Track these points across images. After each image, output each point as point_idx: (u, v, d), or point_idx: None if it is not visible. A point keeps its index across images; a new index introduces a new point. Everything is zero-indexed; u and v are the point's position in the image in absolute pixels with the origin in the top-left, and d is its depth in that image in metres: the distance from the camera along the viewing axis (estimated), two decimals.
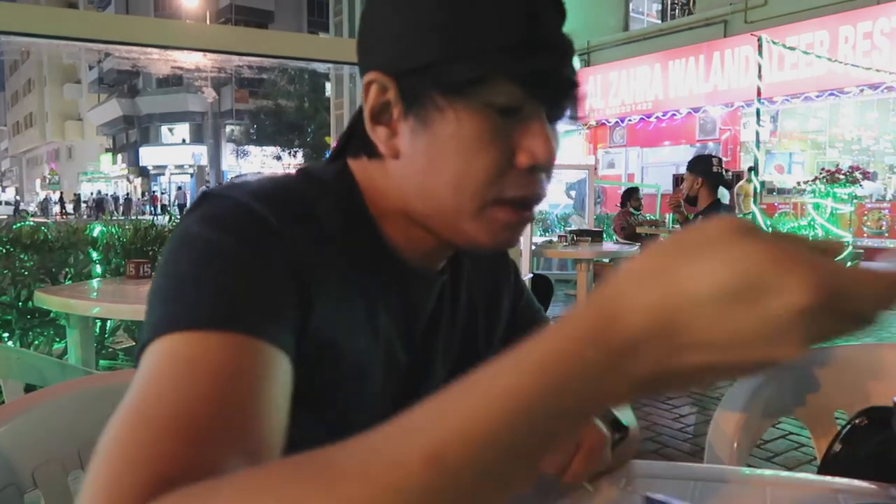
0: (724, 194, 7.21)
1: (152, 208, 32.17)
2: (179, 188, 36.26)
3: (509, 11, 0.55)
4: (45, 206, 38.17)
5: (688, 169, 4.05)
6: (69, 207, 37.14)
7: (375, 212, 0.63)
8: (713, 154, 4.18)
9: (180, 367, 0.44)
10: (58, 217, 31.55)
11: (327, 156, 0.72)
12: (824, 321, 0.30)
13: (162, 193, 37.21)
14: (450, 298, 0.71)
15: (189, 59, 1.62)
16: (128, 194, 39.53)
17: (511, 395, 0.32)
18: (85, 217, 30.22)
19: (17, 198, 47.90)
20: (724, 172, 3.97)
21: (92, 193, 40.39)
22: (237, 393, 0.43)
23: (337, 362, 0.58)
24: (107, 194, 39.56)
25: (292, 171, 0.68)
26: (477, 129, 0.55)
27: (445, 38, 0.55)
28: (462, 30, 0.55)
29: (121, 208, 33.22)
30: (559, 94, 0.58)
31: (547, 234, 7.23)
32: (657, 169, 15.04)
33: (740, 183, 9.18)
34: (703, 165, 3.95)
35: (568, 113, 0.60)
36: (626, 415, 0.77)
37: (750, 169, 9.37)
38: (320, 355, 0.57)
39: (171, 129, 39.40)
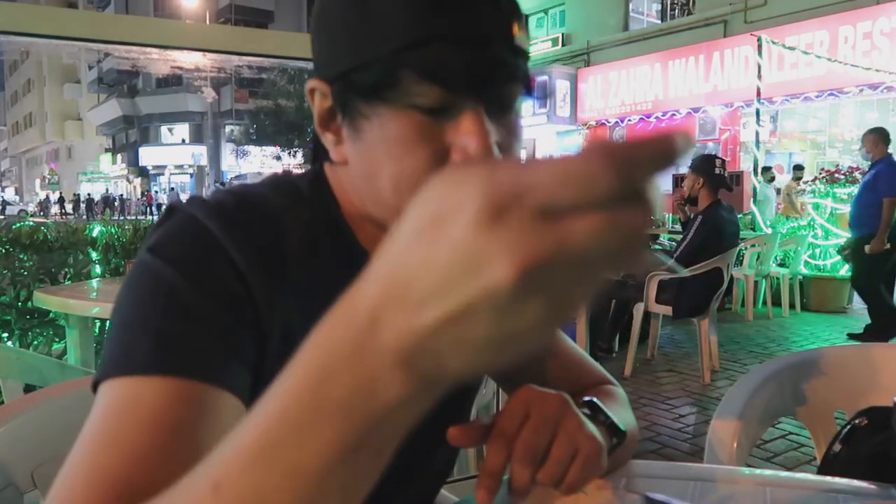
0: (768, 197, 6.85)
1: (148, 207, 32.38)
2: (172, 189, 36.30)
3: (409, 6, 0.52)
4: (45, 206, 38.17)
5: (690, 168, 4.05)
6: (68, 207, 37.15)
7: (350, 218, 0.62)
8: (716, 154, 4.15)
9: (117, 417, 0.46)
10: (57, 217, 31.61)
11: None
12: (523, 223, 0.23)
13: (158, 193, 37.24)
14: None
15: (189, 59, 1.62)
16: (122, 195, 39.61)
17: (273, 408, 0.30)
18: (84, 217, 30.26)
19: (4, 199, 47.64)
20: (725, 174, 3.97)
21: (88, 194, 40.43)
22: (169, 445, 0.45)
23: None
24: (110, 194, 39.57)
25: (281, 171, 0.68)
26: (401, 133, 0.53)
27: (358, 42, 0.53)
28: (368, 32, 0.53)
29: (117, 209, 33.29)
30: (486, 84, 0.53)
31: None
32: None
33: (788, 182, 8.84)
34: (705, 165, 3.94)
35: (512, 100, 0.56)
36: (624, 416, 0.77)
37: (796, 167, 9.02)
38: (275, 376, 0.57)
39: (170, 129, 39.36)
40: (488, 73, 0.53)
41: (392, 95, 0.53)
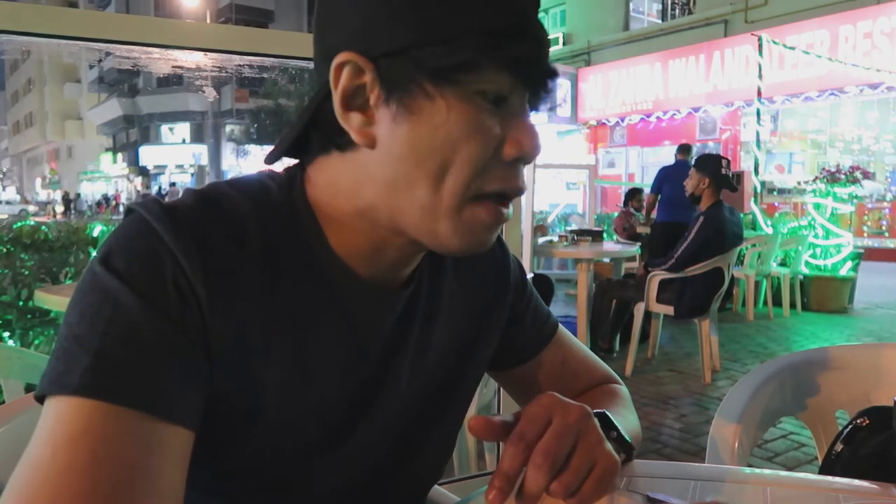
0: None
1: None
2: (152, 190, 36.53)
3: None
4: (42, 206, 38.26)
5: (695, 167, 4.01)
6: (60, 208, 37.16)
7: (326, 220, 0.59)
8: (721, 155, 4.12)
9: (71, 444, 0.45)
10: (58, 217, 31.66)
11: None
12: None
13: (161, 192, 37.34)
14: (423, 314, 0.67)
15: (189, 59, 1.62)
16: (106, 194, 39.80)
17: None
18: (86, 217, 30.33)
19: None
20: (730, 175, 3.94)
21: (64, 194, 40.53)
22: (128, 482, 0.45)
23: (256, 394, 0.56)
24: (150, 192, 39.68)
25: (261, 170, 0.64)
26: (467, 119, 0.53)
27: (429, 20, 0.52)
28: (447, 12, 0.52)
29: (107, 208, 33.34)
30: (543, 83, 0.57)
31: (547, 234, 7.23)
32: (657, 168, 15.02)
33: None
34: (711, 165, 3.90)
35: (546, 104, 0.59)
36: (630, 419, 0.76)
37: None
38: (234, 392, 0.55)
39: (171, 129, 39.35)
40: (546, 70, 0.56)
41: (466, 78, 0.52)
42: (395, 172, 0.55)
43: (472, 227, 0.56)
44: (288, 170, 0.62)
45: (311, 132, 0.59)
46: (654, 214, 6.32)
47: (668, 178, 5.81)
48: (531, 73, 0.55)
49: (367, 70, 0.53)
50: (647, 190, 7.17)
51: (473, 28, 0.52)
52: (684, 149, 6.24)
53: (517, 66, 0.53)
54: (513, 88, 0.54)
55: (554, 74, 0.57)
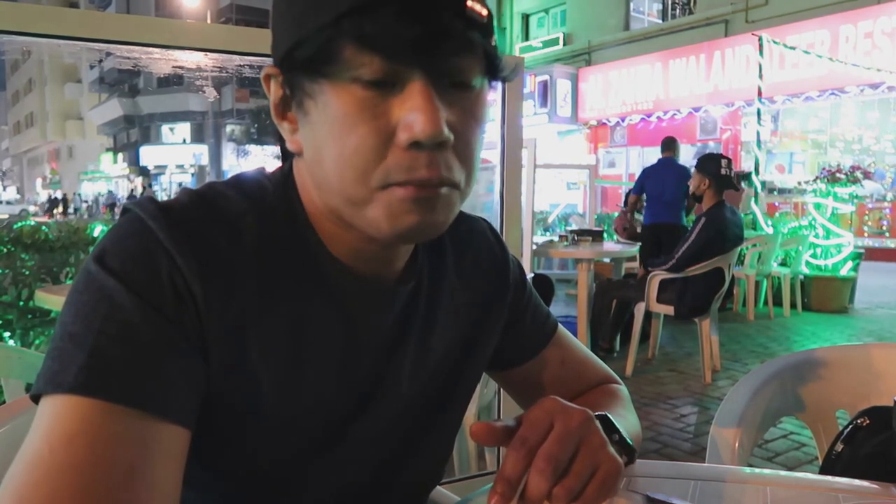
0: None
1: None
2: (138, 191, 36.61)
3: None
4: (44, 206, 38.31)
5: (696, 167, 4.03)
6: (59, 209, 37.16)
7: (314, 218, 0.59)
8: (721, 154, 4.12)
9: (69, 443, 0.45)
10: (58, 217, 31.65)
11: None
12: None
13: (159, 192, 37.31)
14: (423, 310, 0.66)
15: (190, 59, 1.62)
16: (98, 195, 39.95)
17: None
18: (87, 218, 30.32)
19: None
20: (731, 174, 3.94)
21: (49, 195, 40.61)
22: (126, 485, 0.45)
23: (253, 393, 0.56)
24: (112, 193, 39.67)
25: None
26: (343, 108, 0.51)
27: (301, 15, 0.51)
28: (310, 3, 0.51)
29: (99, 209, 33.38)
30: (431, 54, 0.50)
31: (548, 234, 7.23)
32: None
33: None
34: (711, 166, 3.92)
35: (465, 75, 0.53)
36: (630, 420, 0.75)
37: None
38: (231, 391, 0.55)
39: (171, 129, 39.36)
40: (433, 41, 0.49)
41: (333, 69, 0.50)
42: (315, 175, 0.56)
43: (393, 209, 0.53)
44: (282, 168, 0.63)
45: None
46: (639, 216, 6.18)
47: (650, 176, 5.46)
48: (402, 50, 0.49)
49: (279, 79, 0.55)
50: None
51: (332, 14, 0.49)
52: (669, 143, 5.55)
53: (381, 44, 0.49)
54: (394, 68, 0.50)
55: (450, 40, 0.50)
